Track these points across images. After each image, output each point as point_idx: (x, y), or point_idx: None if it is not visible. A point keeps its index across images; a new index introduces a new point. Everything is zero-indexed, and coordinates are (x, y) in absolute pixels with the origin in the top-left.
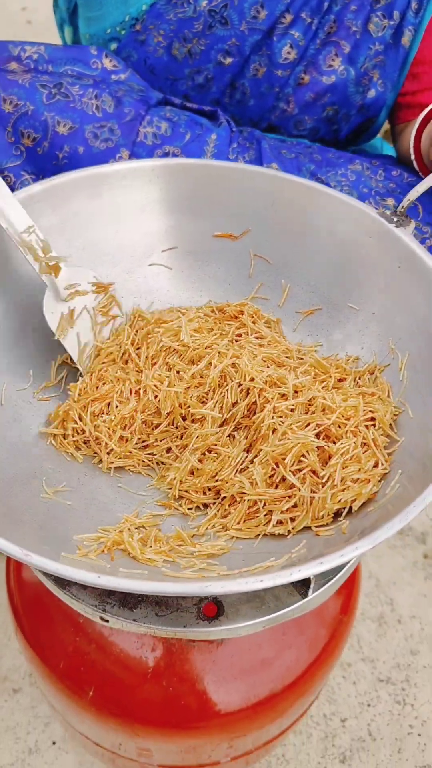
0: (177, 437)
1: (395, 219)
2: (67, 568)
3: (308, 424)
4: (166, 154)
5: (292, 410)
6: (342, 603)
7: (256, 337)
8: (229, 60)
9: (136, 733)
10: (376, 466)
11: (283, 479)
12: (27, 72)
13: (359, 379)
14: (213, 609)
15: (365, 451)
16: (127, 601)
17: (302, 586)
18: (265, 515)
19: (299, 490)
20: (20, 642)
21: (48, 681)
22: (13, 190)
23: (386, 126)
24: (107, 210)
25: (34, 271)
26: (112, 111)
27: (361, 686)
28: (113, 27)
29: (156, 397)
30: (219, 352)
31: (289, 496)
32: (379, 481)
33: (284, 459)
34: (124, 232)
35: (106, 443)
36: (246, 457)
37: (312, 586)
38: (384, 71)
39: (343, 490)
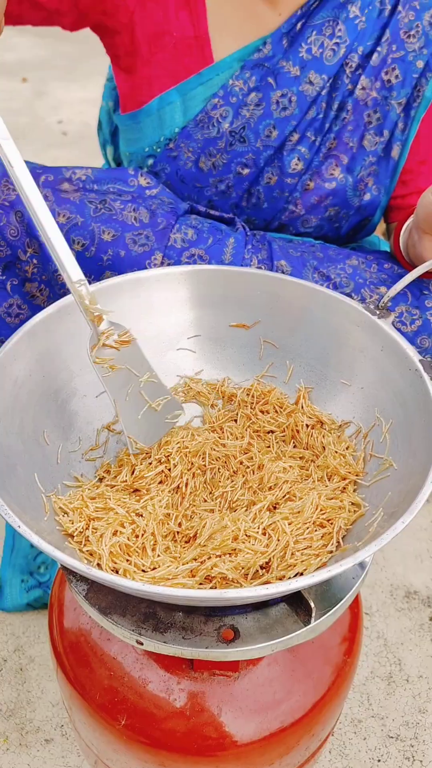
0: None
1: (378, 312)
2: (118, 577)
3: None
4: (192, 256)
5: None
6: (346, 647)
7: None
8: (246, 171)
9: (162, 762)
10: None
11: None
12: (77, 191)
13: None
14: (230, 634)
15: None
16: (159, 627)
17: (306, 615)
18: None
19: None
20: (61, 681)
21: (85, 713)
22: (64, 287)
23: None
24: (145, 306)
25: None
26: (147, 221)
27: (371, 742)
28: (150, 146)
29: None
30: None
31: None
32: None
33: None
34: (158, 323)
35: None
36: None
37: (314, 614)
38: (377, 178)
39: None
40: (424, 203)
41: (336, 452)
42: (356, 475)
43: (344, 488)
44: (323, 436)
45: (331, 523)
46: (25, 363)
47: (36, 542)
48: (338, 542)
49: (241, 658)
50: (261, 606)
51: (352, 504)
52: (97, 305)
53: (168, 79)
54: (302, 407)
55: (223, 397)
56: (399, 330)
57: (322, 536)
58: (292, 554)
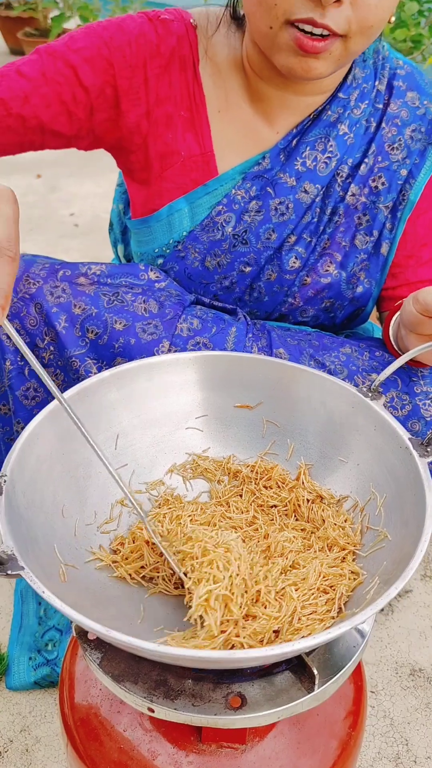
0: None
1: (370, 394)
2: (135, 639)
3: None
4: (197, 344)
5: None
6: (351, 721)
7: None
8: (248, 269)
9: None
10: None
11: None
12: (92, 284)
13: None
14: (238, 701)
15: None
16: (170, 694)
17: (309, 683)
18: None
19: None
20: (71, 756)
21: None
22: (78, 372)
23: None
24: (156, 388)
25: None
26: (156, 312)
27: None
28: (160, 248)
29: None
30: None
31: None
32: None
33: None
34: (169, 404)
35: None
36: None
37: (317, 681)
38: (368, 273)
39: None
40: (407, 309)
41: (335, 524)
42: (354, 546)
43: (344, 558)
44: (323, 510)
45: (334, 590)
46: (48, 441)
47: (59, 606)
48: (340, 608)
49: (248, 726)
50: (267, 674)
51: (352, 572)
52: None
53: (177, 190)
54: (303, 483)
55: (229, 473)
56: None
57: (325, 602)
58: (299, 619)
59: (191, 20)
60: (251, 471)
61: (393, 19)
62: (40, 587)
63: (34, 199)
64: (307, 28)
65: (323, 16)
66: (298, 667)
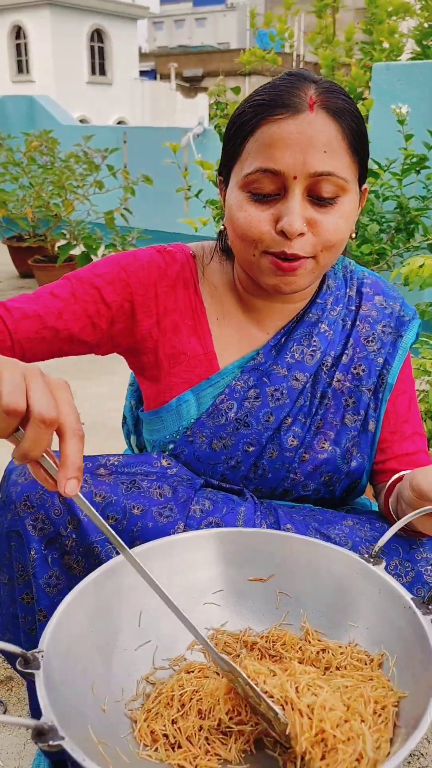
0: None
1: (372, 560)
2: None
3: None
4: (210, 524)
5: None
6: None
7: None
8: (251, 449)
9: None
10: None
11: None
12: (111, 474)
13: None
14: None
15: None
16: None
17: None
18: None
19: None
20: None
21: None
22: (99, 557)
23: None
24: (176, 565)
25: None
26: (170, 496)
27: None
28: (171, 434)
29: None
30: None
31: None
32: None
33: None
34: (188, 579)
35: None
36: None
37: None
38: (360, 448)
39: None
40: (406, 493)
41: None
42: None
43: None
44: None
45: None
46: (78, 620)
47: None
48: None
49: None
50: None
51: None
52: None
53: (184, 384)
54: (309, 641)
55: (246, 646)
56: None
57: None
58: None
59: (190, 251)
60: (266, 641)
61: (354, 235)
62: (81, 755)
63: None
64: (282, 256)
65: (291, 247)
66: None
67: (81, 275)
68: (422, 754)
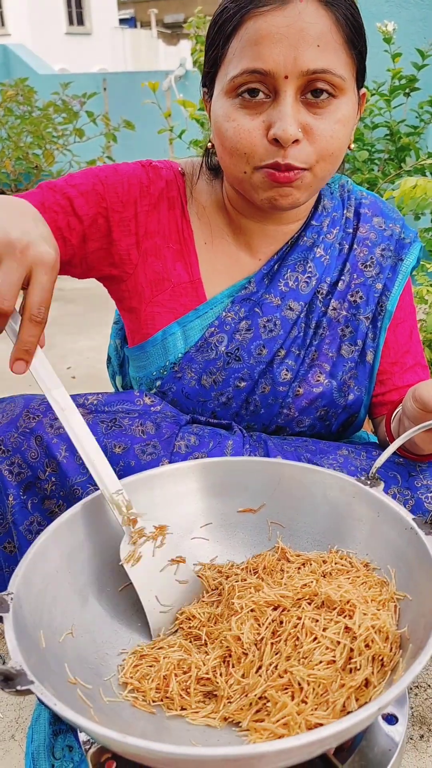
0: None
1: (369, 482)
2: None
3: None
4: (196, 459)
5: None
6: None
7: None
8: (243, 384)
9: None
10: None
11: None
12: (90, 413)
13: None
14: None
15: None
16: None
17: None
18: None
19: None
20: None
21: None
22: (81, 497)
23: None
24: (159, 500)
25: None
26: (153, 433)
27: None
28: (157, 370)
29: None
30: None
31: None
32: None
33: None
34: (172, 514)
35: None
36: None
37: None
38: (357, 380)
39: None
40: (408, 405)
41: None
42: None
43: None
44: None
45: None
46: (53, 560)
47: (71, 717)
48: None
49: None
50: None
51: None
52: (132, 510)
53: (169, 314)
54: (288, 559)
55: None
56: None
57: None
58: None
59: (179, 168)
60: (246, 571)
61: (352, 145)
62: (51, 699)
63: None
64: (275, 167)
65: (285, 156)
66: None
67: (54, 184)
68: (429, 685)
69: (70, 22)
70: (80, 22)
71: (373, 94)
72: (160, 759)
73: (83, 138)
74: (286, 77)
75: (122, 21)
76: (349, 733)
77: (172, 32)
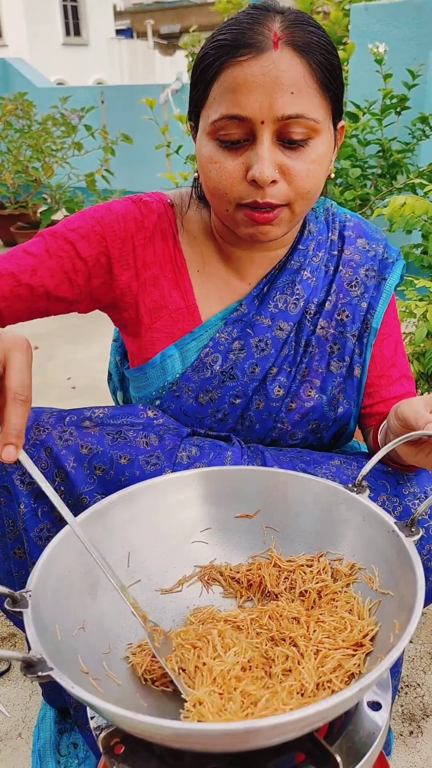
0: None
1: (355, 489)
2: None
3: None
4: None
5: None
6: None
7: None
8: (238, 401)
9: None
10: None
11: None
12: (96, 426)
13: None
14: None
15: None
16: None
17: None
18: None
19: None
20: None
21: None
22: (88, 505)
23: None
24: (162, 505)
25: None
26: (157, 444)
27: None
28: (157, 390)
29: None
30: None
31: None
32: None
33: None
34: (174, 519)
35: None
36: None
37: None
38: (346, 394)
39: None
40: (392, 423)
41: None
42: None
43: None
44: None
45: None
46: (65, 562)
47: (88, 698)
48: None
49: None
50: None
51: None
52: (138, 606)
53: (167, 338)
54: (278, 566)
55: (233, 579)
56: None
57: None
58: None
59: (168, 200)
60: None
61: (332, 175)
62: (69, 683)
63: (33, 368)
64: (254, 205)
65: (264, 196)
66: (321, 759)
67: (55, 231)
68: (418, 684)
69: (67, 33)
70: (77, 32)
71: (364, 113)
72: (166, 735)
73: (82, 151)
74: (263, 122)
75: (119, 32)
76: (335, 711)
77: (169, 43)
